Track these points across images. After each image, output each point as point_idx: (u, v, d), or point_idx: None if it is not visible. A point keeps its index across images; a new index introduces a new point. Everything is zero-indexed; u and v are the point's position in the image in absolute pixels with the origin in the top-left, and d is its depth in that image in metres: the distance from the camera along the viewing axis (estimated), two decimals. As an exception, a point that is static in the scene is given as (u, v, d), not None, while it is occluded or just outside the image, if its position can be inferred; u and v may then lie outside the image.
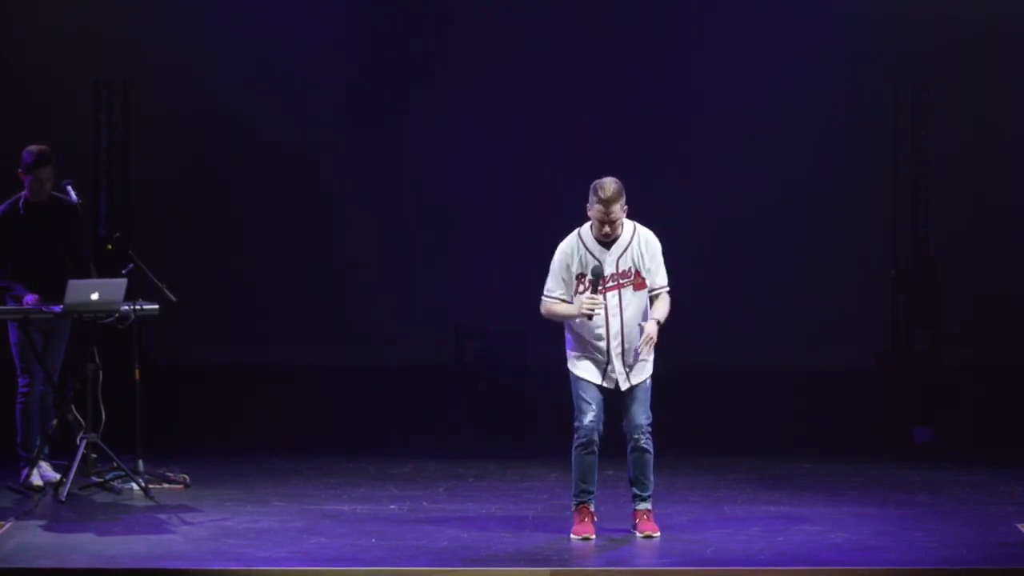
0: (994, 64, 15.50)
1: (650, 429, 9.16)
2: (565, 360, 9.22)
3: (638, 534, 9.17)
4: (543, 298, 9.14)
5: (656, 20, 15.40)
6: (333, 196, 15.63)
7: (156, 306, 10.69)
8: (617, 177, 9.03)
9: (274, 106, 15.49)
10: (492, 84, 15.34)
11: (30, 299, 10.30)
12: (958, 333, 14.77)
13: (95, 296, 10.20)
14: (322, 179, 15.66)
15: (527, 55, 15.42)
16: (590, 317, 8.96)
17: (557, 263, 9.10)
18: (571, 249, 9.08)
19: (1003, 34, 15.45)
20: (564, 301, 9.07)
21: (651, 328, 8.97)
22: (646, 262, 9.03)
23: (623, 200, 8.97)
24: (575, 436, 9.11)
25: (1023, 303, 15.15)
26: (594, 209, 8.97)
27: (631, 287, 9.04)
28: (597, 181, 8.98)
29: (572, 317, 9.04)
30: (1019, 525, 9.46)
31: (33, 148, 10.52)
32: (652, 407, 9.17)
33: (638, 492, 9.21)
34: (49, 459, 10.71)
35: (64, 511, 9.92)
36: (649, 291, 9.07)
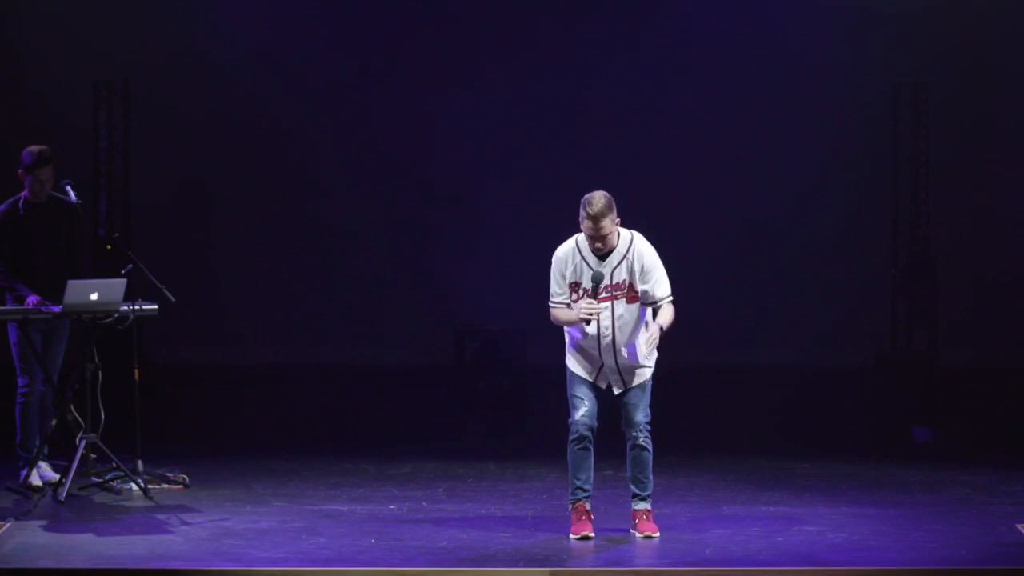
0: (993, 64, 15.50)
1: (649, 428, 9.16)
2: (564, 357, 9.21)
3: (637, 534, 9.16)
4: (550, 304, 9.11)
5: (657, 20, 15.39)
6: (334, 196, 15.63)
7: (155, 306, 10.69)
8: (618, 179, 9.02)
9: (273, 107, 15.49)
10: (494, 85, 15.34)
11: (32, 299, 10.30)
12: (958, 333, 14.77)
13: (94, 296, 10.20)
14: (323, 179, 15.66)
15: (528, 55, 15.43)
16: (588, 322, 8.94)
17: (554, 269, 9.08)
18: (567, 256, 9.04)
19: (1002, 34, 15.45)
20: (568, 306, 9.06)
21: (654, 329, 8.91)
22: (640, 276, 8.97)
23: (613, 215, 8.89)
24: (569, 432, 9.13)
25: (1023, 303, 15.15)
26: (584, 224, 8.94)
27: (624, 299, 9.02)
28: (586, 196, 8.88)
29: (573, 323, 9.04)
30: (1019, 525, 9.45)
31: (33, 148, 10.52)
32: (652, 407, 9.17)
33: (637, 491, 9.21)
34: (48, 459, 10.71)
35: (63, 511, 9.92)
36: (653, 304, 9.02)
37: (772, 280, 15.33)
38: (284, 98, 15.52)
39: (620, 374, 9.06)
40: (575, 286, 9.00)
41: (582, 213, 8.90)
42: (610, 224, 8.89)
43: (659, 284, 9.00)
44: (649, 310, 9.05)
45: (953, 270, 14.68)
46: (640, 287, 8.98)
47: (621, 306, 9.00)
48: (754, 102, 15.48)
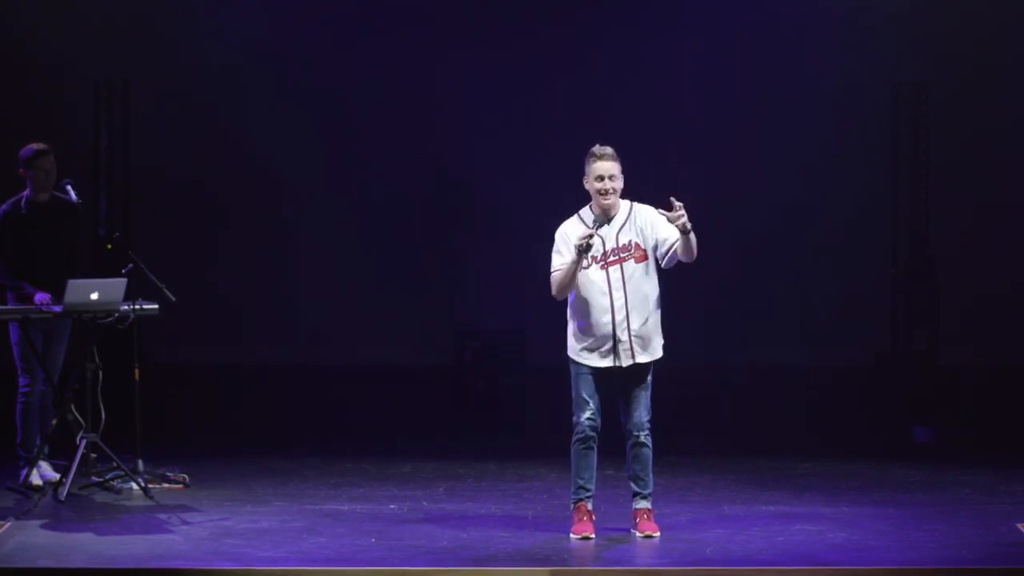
0: (994, 64, 15.49)
1: (650, 426, 9.17)
2: (566, 358, 9.18)
3: (638, 534, 9.16)
4: (551, 276, 9.11)
5: (659, 20, 15.38)
6: (334, 196, 15.63)
7: (156, 306, 10.69)
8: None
9: (274, 107, 15.48)
10: (496, 87, 15.33)
11: (40, 297, 10.28)
12: (958, 332, 14.76)
13: (95, 296, 10.20)
14: (323, 178, 15.65)
15: (529, 55, 15.42)
16: (587, 248, 8.91)
17: (558, 240, 9.10)
18: (571, 226, 9.08)
19: (1002, 34, 15.44)
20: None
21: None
22: (650, 228, 9.03)
23: (620, 167, 9.03)
24: (574, 432, 9.13)
25: (1022, 303, 15.14)
26: (594, 167, 9.01)
27: (632, 260, 9.05)
28: (591, 149, 9.05)
29: (575, 265, 8.95)
30: (1019, 525, 9.45)
31: (31, 145, 10.55)
32: (652, 406, 9.17)
33: (638, 490, 9.21)
34: (49, 459, 10.72)
35: (64, 511, 9.92)
36: (669, 249, 8.99)
37: (772, 280, 15.32)
38: (284, 98, 15.52)
39: (632, 341, 9.01)
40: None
41: (590, 160, 9.03)
42: (619, 173, 9.00)
43: (670, 228, 9.00)
44: (656, 274, 9.06)
45: (953, 270, 14.67)
46: (654, 237, 9.01)
47: (631, 266, 9.04)
48: (754, 102, 15.47)
